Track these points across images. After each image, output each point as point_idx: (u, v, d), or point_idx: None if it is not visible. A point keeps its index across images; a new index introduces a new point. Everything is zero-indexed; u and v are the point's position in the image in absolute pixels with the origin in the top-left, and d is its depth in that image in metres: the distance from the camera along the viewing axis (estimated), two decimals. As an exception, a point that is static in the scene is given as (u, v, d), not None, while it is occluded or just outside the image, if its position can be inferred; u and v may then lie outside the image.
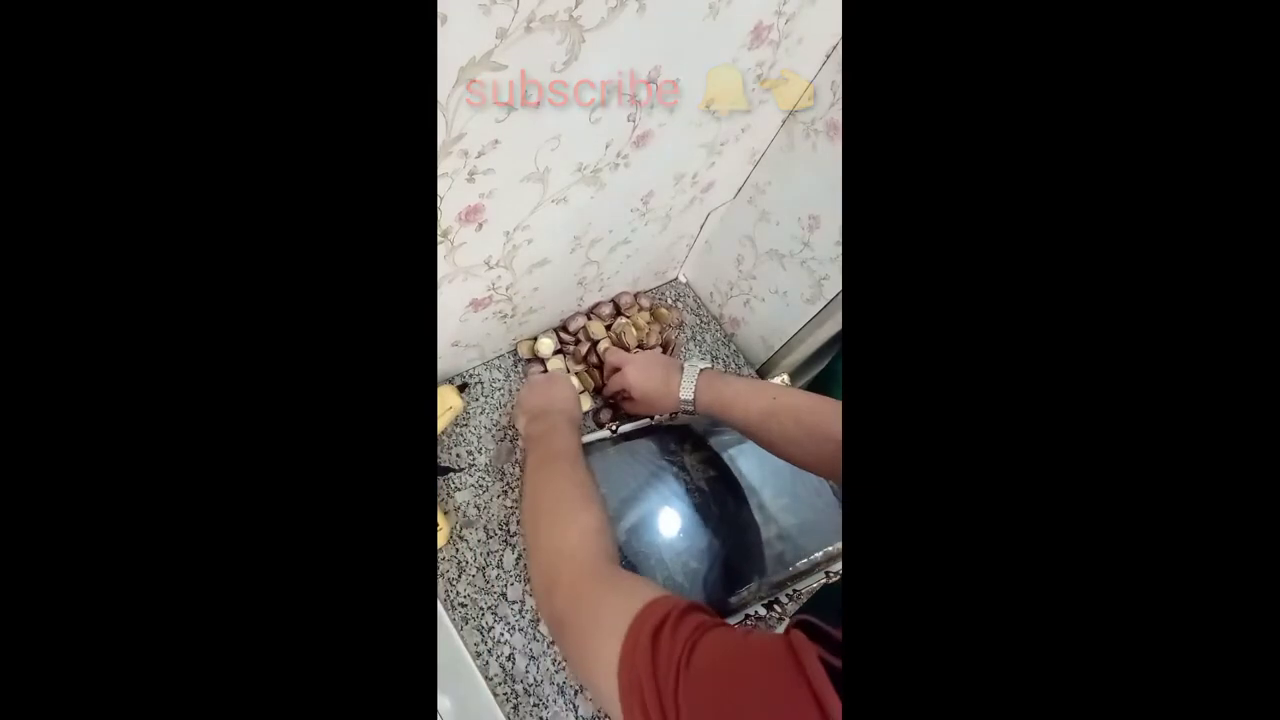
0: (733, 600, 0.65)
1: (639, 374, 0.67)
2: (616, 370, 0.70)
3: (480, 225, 0.52)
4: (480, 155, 0.44)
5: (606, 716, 0.60)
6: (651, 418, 0.73)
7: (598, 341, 0.79)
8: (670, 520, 0.67)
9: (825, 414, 0.55)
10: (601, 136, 0.51)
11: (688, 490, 0.69)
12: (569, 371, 0.78)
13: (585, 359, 0.78)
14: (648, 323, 0.83)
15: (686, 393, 0.62)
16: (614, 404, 0.72)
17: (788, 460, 0.58)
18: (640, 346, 0.80)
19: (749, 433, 0.60)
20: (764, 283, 0.82)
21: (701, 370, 0.63)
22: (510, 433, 0.73)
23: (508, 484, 0.69)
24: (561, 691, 0.60)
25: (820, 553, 0.70)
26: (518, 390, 0.73)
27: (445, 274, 0.55)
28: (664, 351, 0.82)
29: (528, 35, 0.37)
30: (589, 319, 0.80)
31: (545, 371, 0.77)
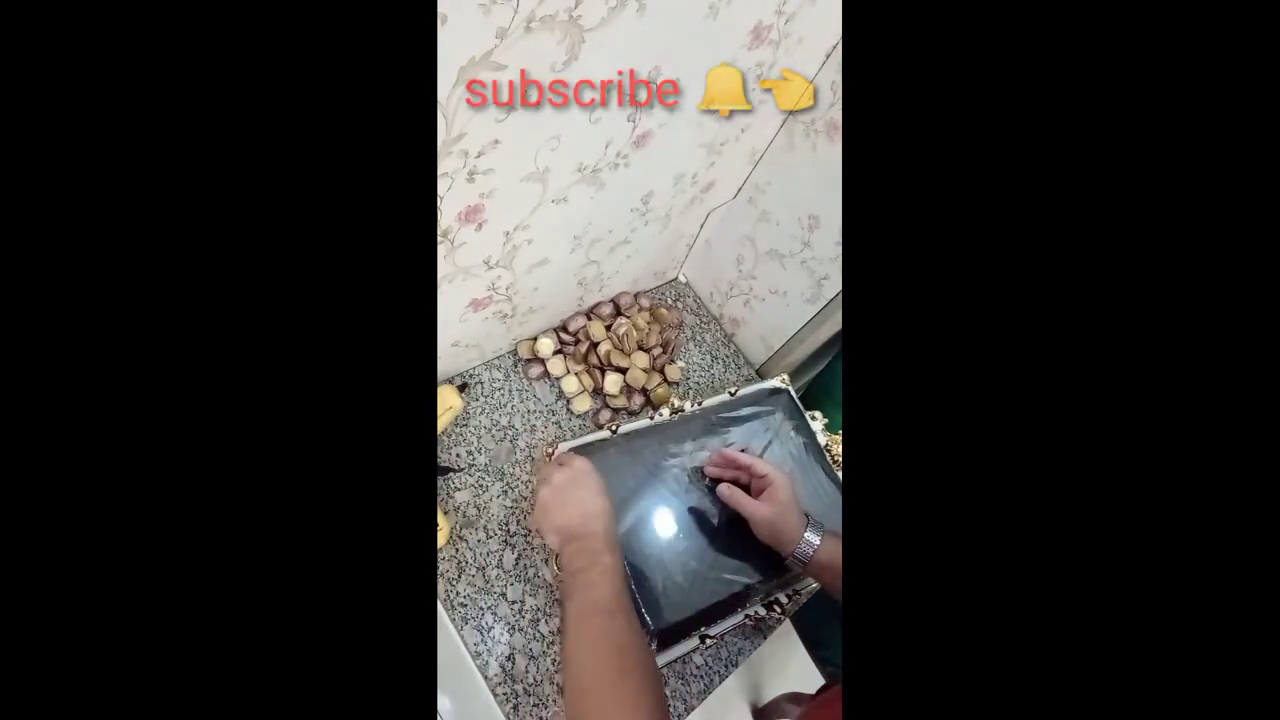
0: (732, 600, 0.65)
1: (781, 510, 0.61)
2: (744, 485, 0.64)
3: (480, 225, 0.52)
4: (480, 155, 0.44)
5: None
6: (649, 403, 0.72)
7: (598, 343, 0.79)
8: (670, 520, 0.67)
9: None
10: (601, 136, 0.51)
11: (688, 490, 0.69)
12: (568, 372, 0.78)
13: (585, 359, 0.78)
14: (648, 323, 0.83)
15: (812, 543, 0.58)
16: (602, 363, 0.72)
17: None
18: (640, 347, 0.80)
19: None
20: (764, 283, 0.82)
21: (829, 531, 0.60)
22: (510, 433, 0.73)
23: (508, 484, 0.69)
24: (561, 692, 0.60)
25: (820, 553, 0.70)
26: (536, 485, 0.63)
27: (445, 274, 0.55)
28: (663, 351, 0.82)
29: (528, 35, 0.37)
30: (589, 319, 0.80)
31: (545, 374, 0.77)
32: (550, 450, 0.68)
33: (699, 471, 0.70)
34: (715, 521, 0.67)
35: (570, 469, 0.57)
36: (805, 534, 0.59)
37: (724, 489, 0.65)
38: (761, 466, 0.63)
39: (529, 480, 0.70)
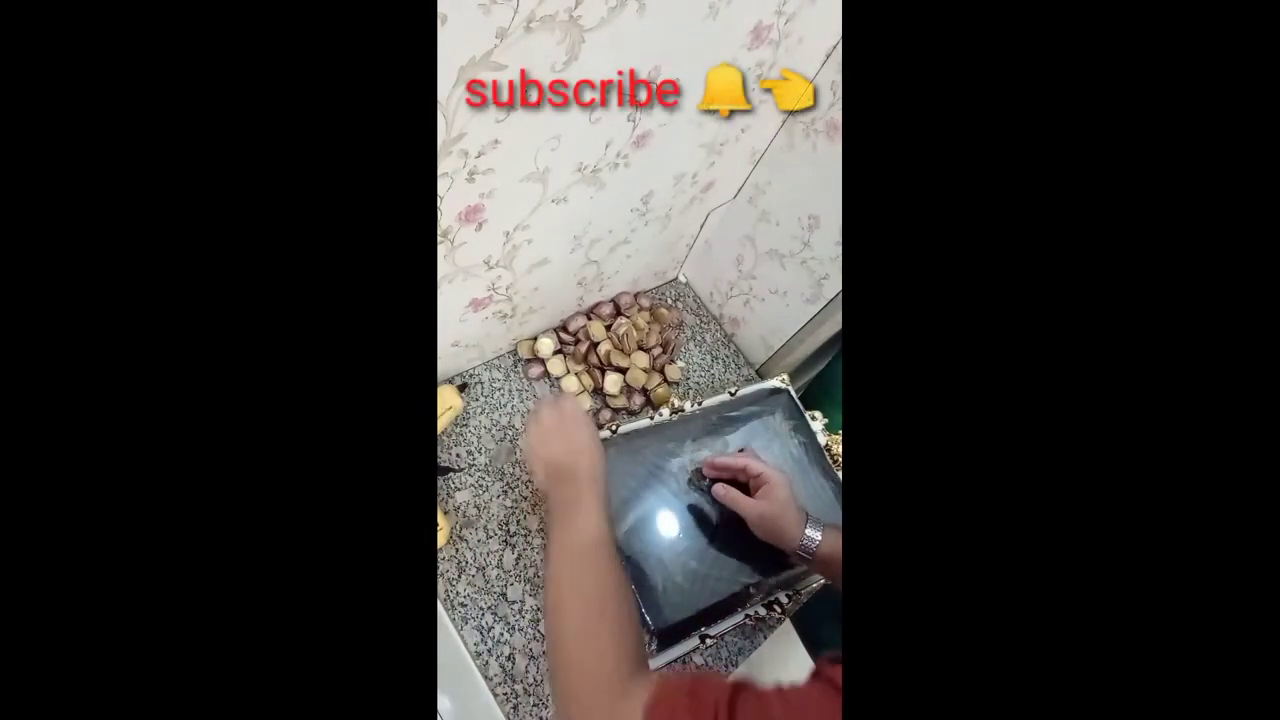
0: (733, 600, 0.65)
1: (778, 503, 0.61)
2: (741, 483, 0.64)
3: (480, 225, 0.52)
4: (480, 155, 0.44)
5: None
6: (649, 403, 0.72)
7: (598, 343, 0.79)
8: (670, 520, 0.67)
9: None
10: (601, 136, 0.51)
11: (688, 490, 0.69)
12: (568, 372, 0.78)
13: (585, 359, 0.78)
14: (647, 323, 0.83)
15: (813, 538, 0.58)
16: (602, 363, 0.71)
17: None
18: (640, 347, 0.80)
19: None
20: (764, 283, 0.82)
21: (829, 525, 0.60)
22: (510, 433, 0.73)
23: (508, 484, 0.69)
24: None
25: (820, 553, 0.70)
26: (526, 422, 0.64)
27: (445, 274, 0.55)
28: (663, 351, 0.82)
29: (528, 35, 0.37)
30: (589, 319, 0.80)
31: (545, 374, 0.77)
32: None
33: (699, 473, 0.70)
34: (715, 521, 0.67)
35: (559, 409, 0.58)
36: (806, 530, 0.59)
37: (719, 489, 0.65)
38: (756, 466, 0.63)
39: (529, 480, 0.70)
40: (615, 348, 0.79)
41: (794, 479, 0.74)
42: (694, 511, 0.67)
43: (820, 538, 0.58)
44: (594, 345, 0.78)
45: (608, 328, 0.81)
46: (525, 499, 0.69)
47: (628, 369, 0.78)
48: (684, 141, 0.61)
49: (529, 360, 0.78)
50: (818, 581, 0.69)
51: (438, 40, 0.33)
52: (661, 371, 0.81)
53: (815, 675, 0.32)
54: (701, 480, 0.69)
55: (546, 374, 0.78)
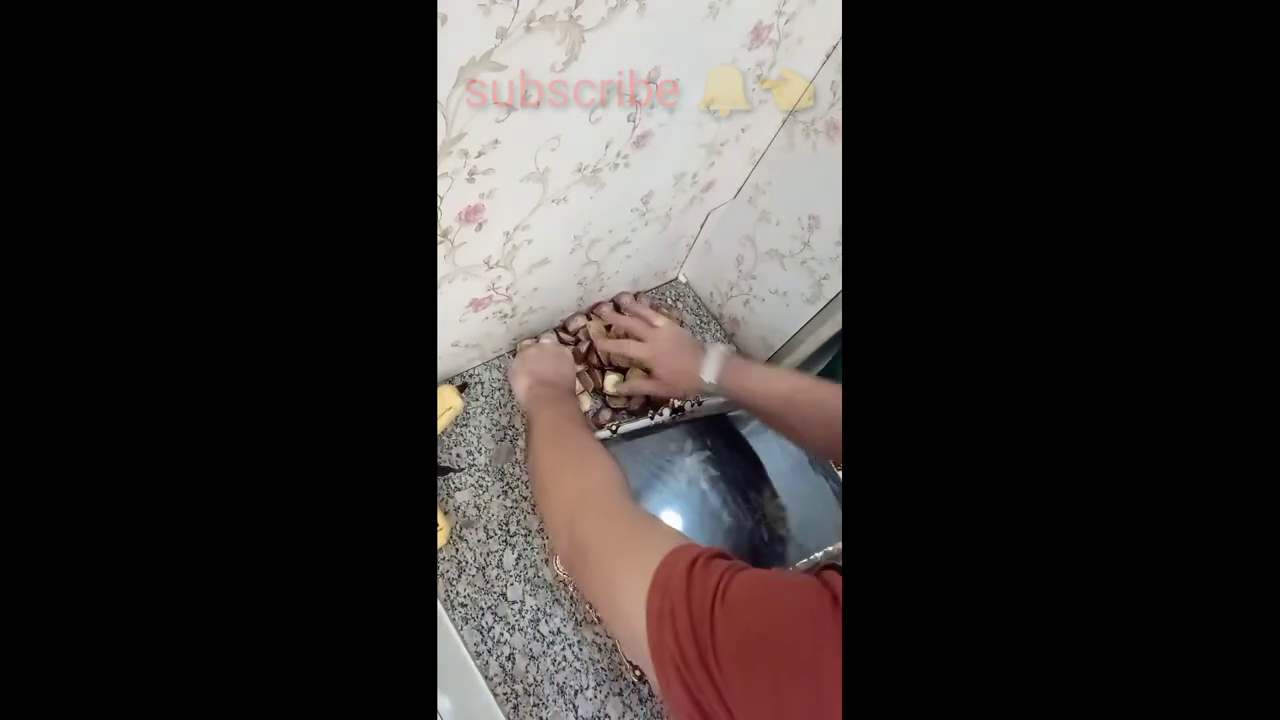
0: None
1: (667, 349, 0.66)
2: (637, 339, 0.69)
3: (480, 225, 0.52)
4: (480, 155, 0.44)
5: (607, 718, 0.60)
6: (650, 404, 0.74)
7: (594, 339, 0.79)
8: (671, 521, 0.67)
9: (838, 404, 0.57)
10: (601, 136, 0.51)
11: (689, 490, 0.69)
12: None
13: (586, 359, 0.78)
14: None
15: (709, 375, 0.62)
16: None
17: (801, 445, 0.63)
18: None
19: (766, 418, 0.63)
20: (764, 283, 0.82)
21: (725, 354, 0.64)
22: (510, 433, 0.73)
23: (508, 484, 0.69)
24: (561, 691, 0.60)
25: (820, 553, 0.70)
26: (518, 356, 0.68)
27: (445, 274, 0.55)
28: None
29: (528, 35, 0.37)
30: (589, 319, 0.80)
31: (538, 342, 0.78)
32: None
33: (701, 471, 0.70)
34: (716, 522, 0.67)
35: (542, 346, 0.66)
36: (704, 363, 0.63)
37: (609, 344, 0.71)
38: (657, 318, 0.70)
39: (529, 480, 0.70)
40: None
41: (795, 478, 0.74)
42: (695, 512, 0.68)
43: (713, 380, 0.62)
44: (594, 346, 0.78)
45: (608, 328, 0.81)
46: (525, 499, 0.69)
47: (628, 369, 0.78)
48: (684, 141, 0.61)
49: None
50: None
51: (438, 40, 0.33)
52: None
53: (814, 574, 0.33)
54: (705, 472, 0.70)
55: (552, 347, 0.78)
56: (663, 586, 0.35)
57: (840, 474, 0.77)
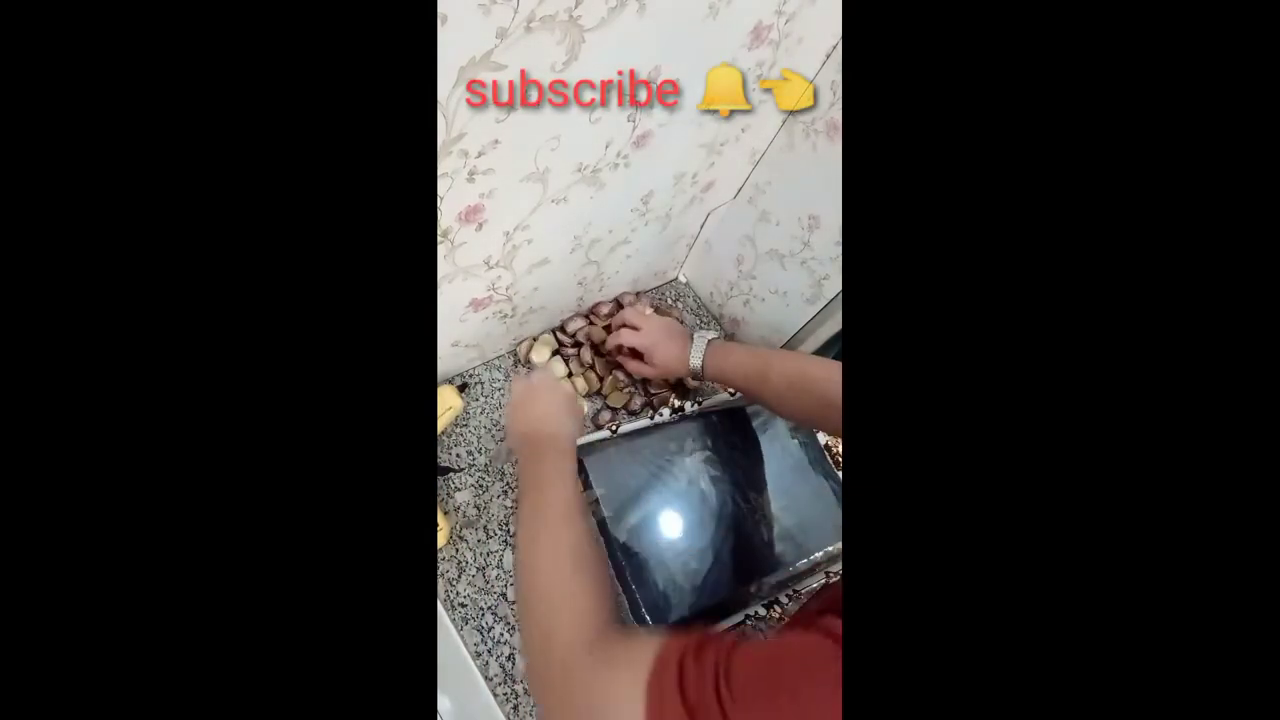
0: (733, 601, 0.65)
1: (659, 337, 0.70)
2: (633, 329, 0.72)
3: (480, 225, 0.52)
4: (480, 155, 0.44)
5: None
6: (650, 404, 0.76)
7: (599, 347, 0.79)
8: (671, 521, 0.67)
9: (812, 376, 0.60)
10: (601, 136, 0.51)
11: (689, 490, 0.69)
12: (569, 374, 0.78)
13: (591, 364, 0.78)
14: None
15: (696, 359, 0.67)
16: (610, 358, 0.76)
17: (783, 416, 0.67)
18: None
19: (748, 395, 0.66)
20: (764, 283, 0.82)
21: (710, 340, 0.68)
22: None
23: (508, 484, 0.69)
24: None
25: (820, 553, 0.70)
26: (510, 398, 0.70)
27: (445, 274, 0.55)
28: None
29: (528, 35, 0.37)
30: (590, 323, 0.80)
31: (530, 370, 0.77)
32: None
33: (700, 471, 0.70)
34: (716, 522, 0.67)
35: (528, 382, 0.61)
36: (690, 352, 0.66)
37: (608, 336, 0.73)
38: (631, 316, 0.73)
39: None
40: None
41: (795, 478, 0.74)
42: (695, 512, 0.67)
43: (700, 363, 0.66)
44: (595, 349, 0.78)
45: (607, 329, 0.81)
46: (525, 499, 0.69)
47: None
48: (684, 141, 0.61)
49: (519, 364, 0.78)
50: (818, 581, 0.69)
51: (438, 40, 0.33)
52: (679, 383, 0.81)
53: (810, 625, 0.32)
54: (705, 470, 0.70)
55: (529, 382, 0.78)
56: (658, 698, 0.33)
57: (840, 474, 0.77)
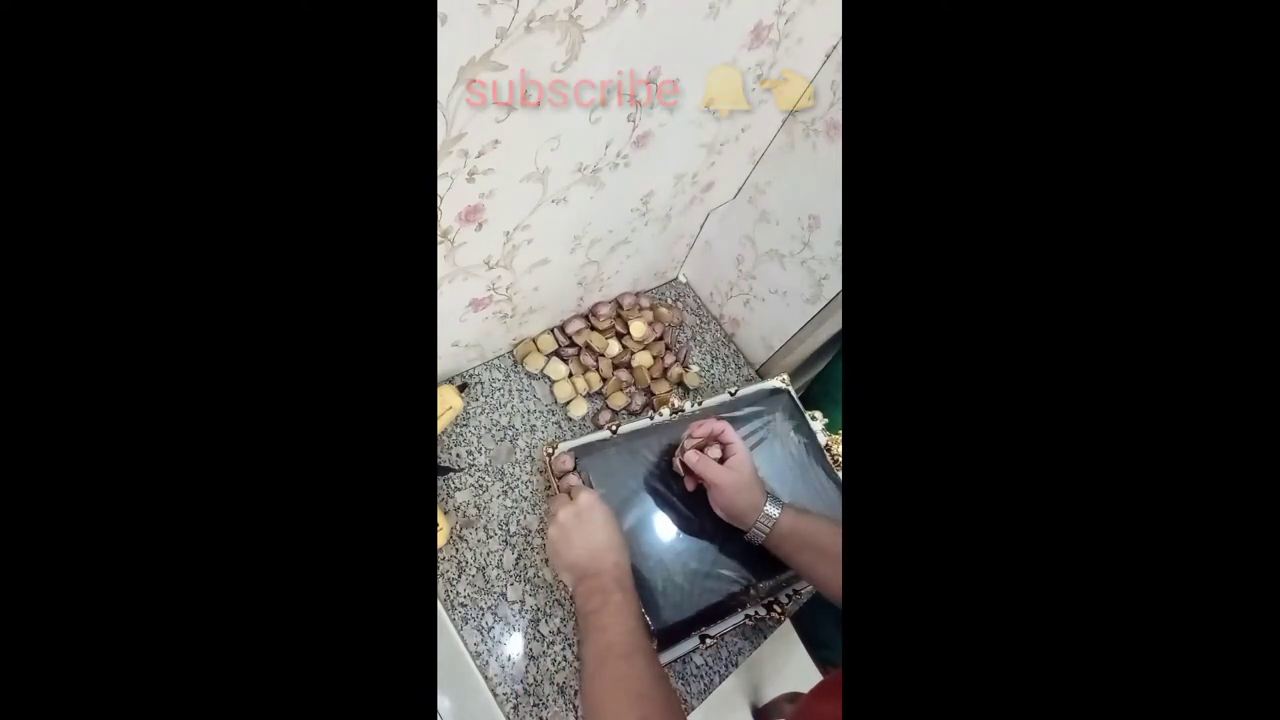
0: (732, 601, 0.65)
1: (745, 475, 0.63)
2: (710, 481, 0.64)
3: (480, 225, 0.52)
4: (480, 155, 0.44)
5: None
6: (650, 404, 0.74)
7: (601, 353, 0.79)
8: (671, 521, 0.67)
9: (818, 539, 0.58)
10: (601, 136, 0.51)
11: (689, 491, 0.69)
12: (569, 375, 0.78)
13: (596, 367, 0.78)
14: (649, 324, 0.83)
15: (773, 510, 0.60)
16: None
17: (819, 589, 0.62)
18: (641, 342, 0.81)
19: (787, 561, 0.62)
20: (764, 283, 0.82)
21: (787, 505, 0.62)
22: (510, 433, 0.73)
23: (508, 484, 0.69)
24: (561, 691, 0.60)
25: (820, 553, 0.70)
26: (545, 523, 0.63)
27: (445, 274, 0.55)
28: (667, 350, 0.83)
29: (528, 35, 0.37)
30: (591, 329, 0.80)
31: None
32: (550, 450, 0.68)
33: (673, 449, 0.69)
34: (715, 522, 0.67)
35: (576, 505, 0.57)
36: (765, 506, 0.60)
37: (692, 454, 0.64)
38: (731, 434, 0.64)
39: (529, 480, 0.70)
40: (619, 361, 0.79)
41: (795, 479, 0.74)
42: (694, 512, 0.67)
43: (779, 514, 0.60)
44: (596, 355, 0.78)
45: (610, 330, 0.81)
46: (525, 499, 0.69)
47: (635, 369, 0.78)
48: (684, 141, 0.61)
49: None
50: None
51: (438, 40, 0.33)
52: (680, 382, 0.81)
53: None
54: (675, 465, 0.68)
55: (546, 376, 0.78)
56: None
57: (840, 473, 0.77)
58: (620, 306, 0.83)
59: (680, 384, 0.82)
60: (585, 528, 0.56)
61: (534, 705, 0.59)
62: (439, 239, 0.50)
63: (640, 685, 0.46)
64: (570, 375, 0.78)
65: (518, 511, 0.68)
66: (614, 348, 0.79)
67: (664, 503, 0.68)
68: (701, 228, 0.84)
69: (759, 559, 0.65)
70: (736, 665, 0.68)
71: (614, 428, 0.72)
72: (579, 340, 0.79)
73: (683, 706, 0.63)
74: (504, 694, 0.59)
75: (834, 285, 0.73)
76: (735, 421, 0.75)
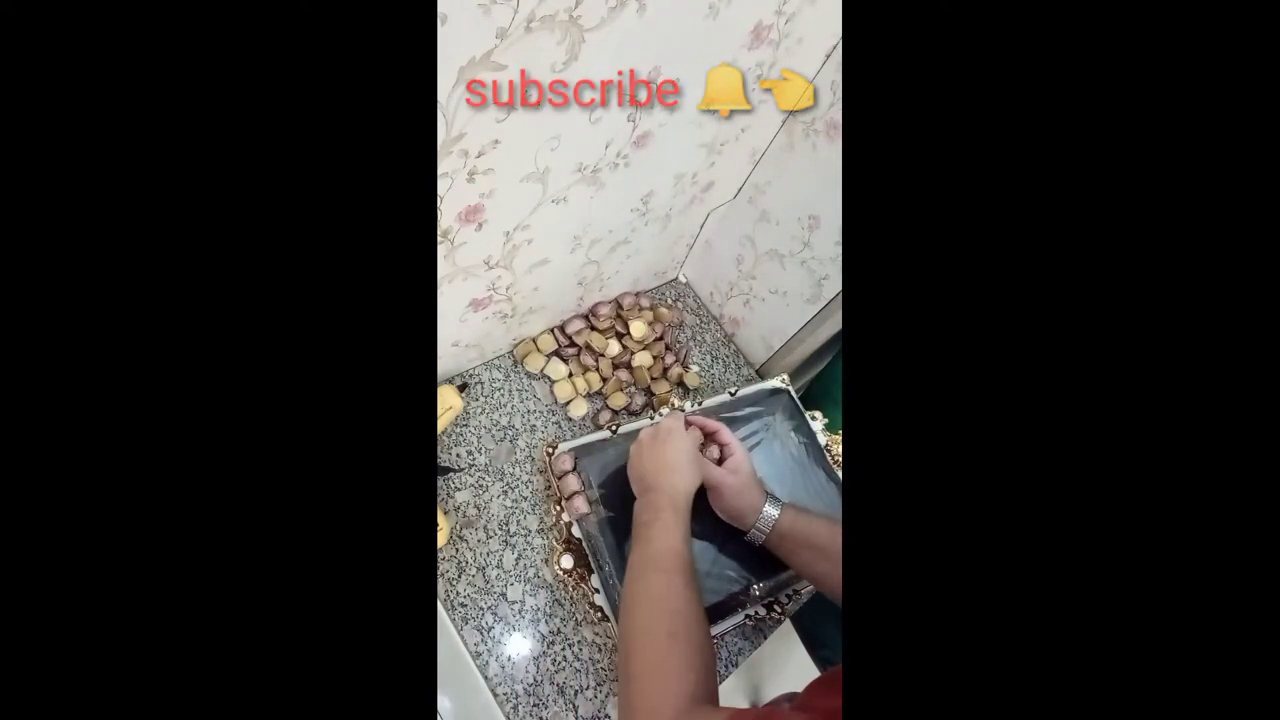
0: (733, 601, 0.65)
1: (743, 476, 0.62)
2: (722, 457, 0.65)
3: (480, 225, 0.52)
4: (480, 155, 0.44)
5: (607, 718, 0.60)
6: (650, 404, 0.74)
7: (601, 353, 0.79)
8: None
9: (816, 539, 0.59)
10: (601, 136, 0.51)
11: (688, 490, 0.69)
12: (569, 375, 0.78)
13: (597, 367, 0.78)
14: (649, 324, 0.83)
15: (772, 510, 0.61)
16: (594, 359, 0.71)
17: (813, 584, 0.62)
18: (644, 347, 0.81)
19: (786, 559, 0.62)
20: (764, 283, 0.82)
21: (787, 504, 0.62)
22: (510, 433, 0.73)
23: (508, 484, 0.69)
24: (561, 691, 0.60)
25: (820, 553, 0.70)
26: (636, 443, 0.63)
27: (445, 274, 0.55)
28: (667, 350, 0.82)
29: (528, 35, 0.37)
30: (591, 329, 0.80)
31: (545, 375, 0.76)
32: (550, 450, 0.68)
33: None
34: (715, 522, 0.67)
35: (659, 425, 0.62)
36: (765, 507, 0.61)
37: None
38: (728, 435, 0.65)
39: (529, 480, 0.71)
40: (620, 362, 0.79)
41: (795, 479, 0.74)
42: (694, 512, 0.67)
43: (779, 514, 0.60)
44: (597, 355, 0.78)
45: (603, 331, 0.81)
46: (525, 499, 0.69)
47: (635, 368, 0.78)
48: (684, 141, 0.61)
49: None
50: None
51: (438, 40, 0.33)
52: (679, 383, 0.81)
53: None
54: None
55: (546, 376, 0.78)
56: None
57: (840, 472, 0.77)
58: (620, 306, 0.83)
59: (680, 384, 0.82)
60: (658, 446, 0.60)
61: (534, 705, 0.59)
62: (439, 239, 0.50)
63: (675, 602, 0.48)
64: (570, 375, 0.78)
65: (518, 511, 0.68)
66: (614, 348, 0.79)
67: (664, 503, 0.68)
68: (701, 228, 0.84)
69: (759, 559, 0.65)
70: (736, 665, 0.68)
71: (614, 428, 0.72)
72: (579, 340, 0.79)
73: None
74: (504, 694, 0.59)
75: (834, 285, 0.73)
76: (735, 421, 0.75)
